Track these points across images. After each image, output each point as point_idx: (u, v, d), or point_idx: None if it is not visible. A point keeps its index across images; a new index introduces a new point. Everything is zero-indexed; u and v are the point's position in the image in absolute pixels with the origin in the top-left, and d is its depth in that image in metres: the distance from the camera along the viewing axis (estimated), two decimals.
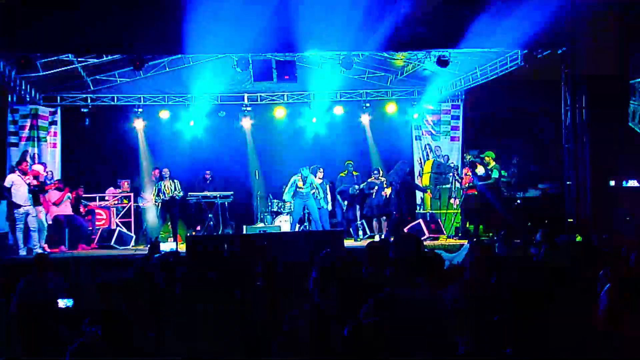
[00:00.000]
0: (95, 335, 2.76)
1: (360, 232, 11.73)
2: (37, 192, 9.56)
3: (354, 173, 11.67)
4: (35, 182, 9.55)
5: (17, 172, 9.45)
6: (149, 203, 11.73)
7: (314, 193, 11.11)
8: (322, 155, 12.99)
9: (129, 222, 11.91)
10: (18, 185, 9.28)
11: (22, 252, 9.30)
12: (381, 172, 11.74)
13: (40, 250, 9.06)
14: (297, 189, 10.93)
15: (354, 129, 13.72)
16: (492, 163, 10.61)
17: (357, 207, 11.61)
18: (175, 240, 11.06)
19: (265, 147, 13.55)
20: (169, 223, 11.50)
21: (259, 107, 13.42)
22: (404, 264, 2.87)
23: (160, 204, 11.20)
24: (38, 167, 10.12)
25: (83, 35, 8.61)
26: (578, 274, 3.91)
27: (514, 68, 10.70)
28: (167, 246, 8.71)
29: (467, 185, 10.87)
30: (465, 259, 6.42)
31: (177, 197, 11.13)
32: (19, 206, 9.26)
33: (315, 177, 11.18)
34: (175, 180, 11.21)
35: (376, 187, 11.21)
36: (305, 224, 11.91)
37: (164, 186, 11.07)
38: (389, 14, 8.71)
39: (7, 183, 9.35)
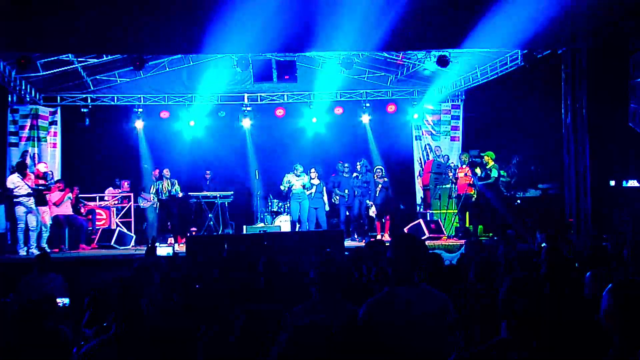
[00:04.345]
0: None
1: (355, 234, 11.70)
2: (41, 192, 9.56)
3: (345, 175, 11.62)
4: (40, 182, 9.58)
5: (17, 173, 9.47)
6: (149, 203, 11.74)
7: (310, 194, 11.14)
8: (322, 155, 13.00)
9: (129, 222, 11.90)
10: (19, 185, 9.29)
11: (22, 252, 9.30)
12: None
13: (36, 251, 9.06)
14: (292, 189, 11.02)
15: (354, 129, 13.74)
16: (491, 163, 10.63)
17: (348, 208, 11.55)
18: (175, 240, 11.07)
19: (265, 147, 13.56)
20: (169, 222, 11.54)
21: (259, 107, 13.42)
22: (401, 263, 2.86)
23: (158, 204, 11.23)
24: (41, 167, 10.12)
25: (83, 35, 8.60)
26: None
27: (514, 68, 10.70)
28: (164, 250, 8.67)
29: (465, 186, 10.87)
30: (459, 258, 6.42)
31: (175, 192, 11.20)
32: (20, 205, 9.28)
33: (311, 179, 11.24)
34: (174, 180, 11.31)
35: (379, 187, 11.18)
36: (305, 223, 11.92)
37: (162, 186, 11.13)
38: (389, 14, 8.69)
39: (9, 184, 9.38)
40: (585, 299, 3.19)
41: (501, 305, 2.24)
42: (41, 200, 9.55)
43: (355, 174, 11.35)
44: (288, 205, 11.73)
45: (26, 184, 9.38)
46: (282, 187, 11.33)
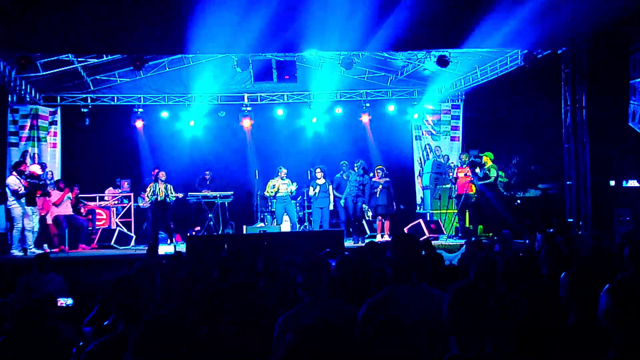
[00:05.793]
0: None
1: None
2: (33, 192, 9.50)
3: (344, 177, 11.61)
4: (33, 181, 9.54)
5: (14, 173, 9.44)
6: (148, 204, 11.73)
7: (314, 194, 11.15)
8: (322, 155, 13.01)
9: (129, 222, 11.91)
10: (17, 186, 9.27)
11: (19, 253, 9.27)
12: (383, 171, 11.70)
13: (35, 251, 9.04)
14: (277, 193, 11.05)
15: (354, 129, 13.74)
16: (489, 163, 10.65)
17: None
18: (171, 240, 11.08)
19: (265, 147, 13.57)
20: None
21: (259, 107, 13.43)
22: (401, 263, 2.86)
23: (153, 204, 11.22)
24: (35, 168, 10.07)
25: (83, 35, 8.60)
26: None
27: (514, 68, 10.71)
28: (164, 249, 8.69)
29: (465, 185, 10.86)
30: (460, 258, 6.42)
31: (169, 200, 11.13)
32: (17, 206, 9.27)
33: (316, 178, 11.26)
34: (169, 185, 11.23)
35: (380, 187, 11.17)
36: (305, 224, 11.91)
37: (158, 188, 11.09)
38: (389, 14, 8.70)
39: (12, 186, 9.32)
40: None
41: (445, 321, 2.20)
42: (31, 200, 9.48)
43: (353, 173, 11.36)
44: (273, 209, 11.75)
45: (23, 184, 9.37)
46: (267, 194, 11.30)
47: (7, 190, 9.29)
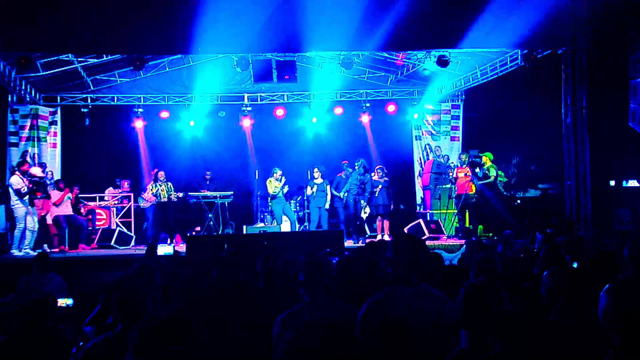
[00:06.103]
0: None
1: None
2: (33, 193, 9.48)
3: (343, 176, 11.61)
4: (34, 179, 9.54)
5: (17, 172, 9.43)
6: (149, 203, 11.73)
7: (311, 193, 11.15)
8: (322, 155, 13.00)
9: (129, 222, 11.90)
10: (19, 186, 9.26)
11: (19, 253, 9.25)
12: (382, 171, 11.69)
13: (29, 252, 9.01)
14: (274, 192, 11.07)
15: (354, 129, 13.73)
16: (489, 163, 10.65)
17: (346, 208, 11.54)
18: (171, 240, 11.07)
19: (265, 147, 13.56)
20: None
21: (259, 107, 13.43)
22: (401, 263, 2.87)
23: (156, 205, 11.22)
24: (35, 170, 10.04)
25: (83, 35, 8.61)
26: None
27: (514, 68, 10.71)
28: (163, 250, 8.64)
29: (465, 185, 10.85)
30: (460, 258, 6.43)
31: (174, 199, 11.16)
32: (21, 206, 9.25)
33: (314, 178, 11.25)
34: (169, 183, 11.25)
35: (380, 186, 11.16)
36: (305, 223, 11.91)
37: (159, 188, 11.10)
38: (389, 13, 8.71)
39: (15, 185, 9.29)
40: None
41: (459, 315, 2.23)
42: (30, 201, 9.45)
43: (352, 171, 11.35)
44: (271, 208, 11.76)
45: (25, 184, 9.36)
46: (272, 192, 11.30)
47: (10, 189, 9.28)
